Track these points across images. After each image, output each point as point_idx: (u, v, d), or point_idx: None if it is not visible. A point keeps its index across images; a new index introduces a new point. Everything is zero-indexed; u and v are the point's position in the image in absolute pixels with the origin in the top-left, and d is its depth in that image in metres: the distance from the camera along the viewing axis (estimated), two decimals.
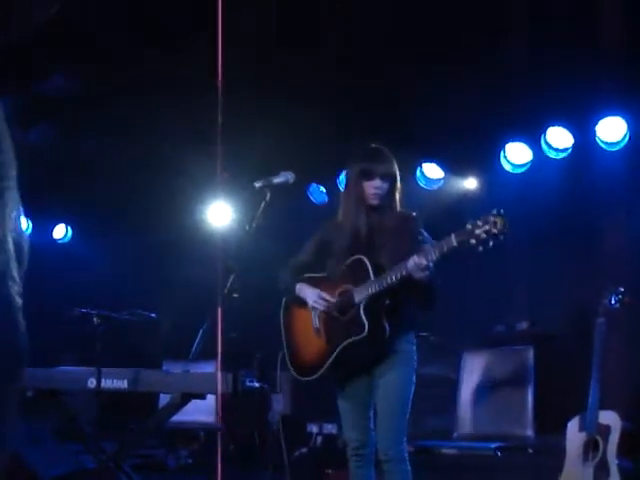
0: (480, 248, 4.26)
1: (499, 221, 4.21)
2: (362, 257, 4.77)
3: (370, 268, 4.71)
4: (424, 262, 4.45)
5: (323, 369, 4.84)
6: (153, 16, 8.23)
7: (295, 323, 5.08)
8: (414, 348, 4.88)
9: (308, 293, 4.95)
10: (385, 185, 4.85)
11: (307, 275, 5.02)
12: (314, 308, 4.93)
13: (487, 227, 4.21)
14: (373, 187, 4.83)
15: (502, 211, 4.29)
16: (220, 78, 5.07)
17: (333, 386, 4.97)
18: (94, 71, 8.82)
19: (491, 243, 4.22)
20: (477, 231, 4.23)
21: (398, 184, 4.94)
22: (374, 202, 4.86)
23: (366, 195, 4.87)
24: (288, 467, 7.01)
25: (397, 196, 4.95)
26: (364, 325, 4.66)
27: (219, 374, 5.34)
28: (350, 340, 4.72)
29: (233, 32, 5.42)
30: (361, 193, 4.88)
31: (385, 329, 4.68)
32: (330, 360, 4.80)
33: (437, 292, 4.75)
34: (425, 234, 4.80)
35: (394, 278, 4.58)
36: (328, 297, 4.89)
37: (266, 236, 5.16)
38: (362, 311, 4.69)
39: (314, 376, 4.91)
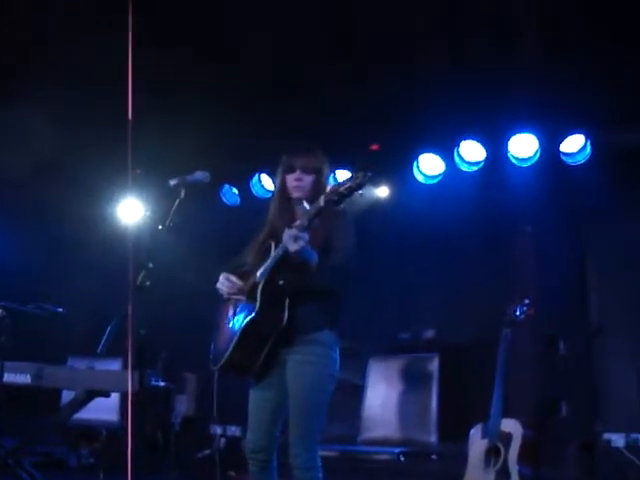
0: (341, 205, 4.28)
1: (360, 176, 4.18)
2: (271, 241, 4.69)
3: (273, 249, 4.63)
4: (294, 231, 4.38)
5: (226, 355, 4.67)
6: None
7: (220, 315, 5.00)
8: (329, 351, 4.67)
9: (220, 278, 4.91)
10: (307, 178, 4.76)
11: (240, 269, 4.96)
12: (220, 290, 4.89)
13: (348, 183, 4.19)
14: (294, 179, 4.77)
15: (366, 168, 4.25)
16: (131, 73, 5.04)
17: (249, 380, 4.81)
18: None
19: (352, 198, 4.22)
20: (340, 188, 4.21)
21: (324, 179, 4.83)
22: (296, 195, 4.78)
23: (289, 189, 4.82)
24: (191, 469, 6.99)
25: (326, 191, 4.69)
26: (255, 304, 4.56)
27: (130, 372, 5.28)
28: (246, 320, 4.59)
29: (148, 28, 5.40)
30: (284, 187, 4.84)
31: (283, 313, 4.55)
32: (232, 345, 4.64)
33: (324, 273, 4.56)
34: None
35: (280, 252, 4.52)
36: (234, 279, 4.84)
37: (176, 235, 5.11)
38: (259, 290, 4.58)
39: (221, 362, 4.71)
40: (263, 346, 4.66)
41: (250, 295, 4.70)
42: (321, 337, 4.68)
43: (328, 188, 4.44)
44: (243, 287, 4.80)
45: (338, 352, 4.73)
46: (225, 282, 4.86)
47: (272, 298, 4.59)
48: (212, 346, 4.95)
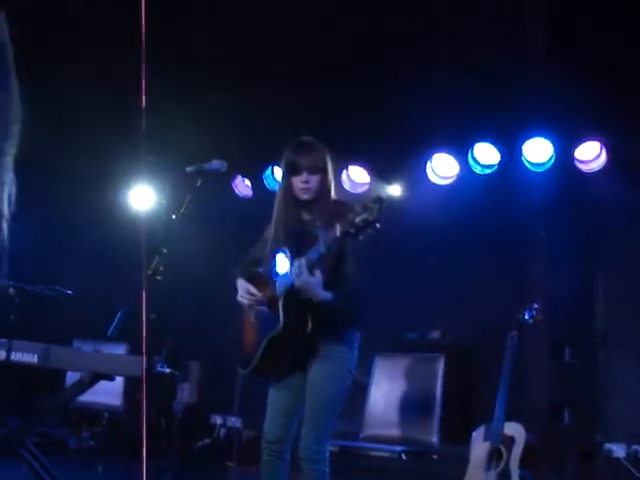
0: (360, 237, 4.19)
1: (375, 208, 4.12)
2: (285, 248, 4.69)
3: (288, 257, 4.63)
4: (297, 265, 4.45)
5: (254, 363, 4.75)
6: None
7: (244, 319, 5.04)
8: (349, 349, 4.72)
9: (239, 289, 4.94)
10: (314, 178, 4.71)
11: (254, 271, 4.98)
12: (242, 302, 4.92)
13: (365, 215, 4.13)
14: (301, 182, 4.71)
15: (381, 197, 4.20)
16: (144, 59, 5.02)
17: (270, 377, 4.87)
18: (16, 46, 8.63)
19: (369, 231, 4.16)
20: (356, 219, 4.14)
21: (330, 176, 4.80)
22: (304, 197, 4.75)
23: (296, 191, 4.78)
24: (190, 457, 7.00)
25: (331, 189, 4.81)
26: (279, 319, 4.60)
27: (144, 357, 5.27)
28: (270, 335, 4.65)
29: (162, 14, 5.39)
30: (290, 188, 4.79)
31: (307, 324, 4.58)
32: (258, 355, 4.72)
33: (340, 301, 4.58)
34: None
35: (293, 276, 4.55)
36: (255, 291, 4.85)
37: (189, 223, 5.12)
38: (281, 305, 4.61)
39: (248, 369, 4.81)
40: (288, 354, 4.73)
41: (272, 306, 4.74)
42: (342, 335, 4.71)
43: (348, 217, 4.30)
44: (263, 297, 4.83)
45: (357, 349, 4.77)
46: (246, 295, 4.88)
47: (295, 312, 4.62)
48: (242, 346, 4.99)
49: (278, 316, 4.64)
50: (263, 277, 4.90)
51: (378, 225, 4.17)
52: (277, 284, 4.71)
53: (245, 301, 4.90)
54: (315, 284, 4.49)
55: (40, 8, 7.97)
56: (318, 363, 4.68)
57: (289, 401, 4.80)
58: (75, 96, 8.56)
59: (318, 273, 4.49)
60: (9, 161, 1.75)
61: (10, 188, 1.79)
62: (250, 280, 4.94)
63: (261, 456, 4.84)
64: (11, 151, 1.76)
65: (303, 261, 4.48)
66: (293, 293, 4.60)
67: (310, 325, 4.60)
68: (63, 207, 9.56)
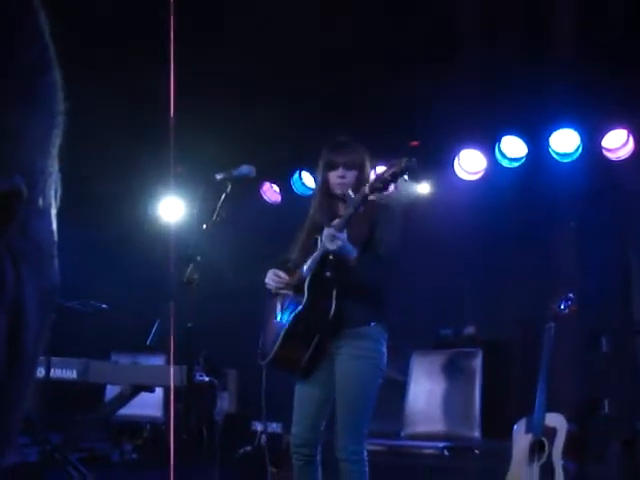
0: (385, 191, 4.29)
1: (403, 161, 4.20)
2: (317, 236, 4.71)
3: (319, 243, 4.65)
4: (331, 231, 4.43)
5: (274, 350, 4.72)
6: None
7: (268, 311, 5.03)
8: (377, 346, 4.70)
9: (267, 276, 4.94)
10: (350, 174, 4.75)
11: (285, 267, 4.99)
12: (269, 285, 4.92)
13: (393, 169, 4.20)
14: (337, 176, 4.77)
15: (410, 155, 4.31)
16: (173, 71, 5.06)
17: (296, 375, 4.84)
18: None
19: (397, 182, 4.23)
20: (384, 175, 4.22)
21: (367, 174, 4.82)
22: (339, 191, 4.79)
23: (332, 186, 4.83)
24: (232, 465, 7.00)
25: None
26: (303, 296, 4.60)
27: (172, 366, 5.31)
28: (293, 314, 4.63)
29: (190, 25, 5.42)
30: (327, 184, 4.85)
31: (330, 305, 4.57)
32: (280, 340, 4.68)
33: (366, 266, 4.61)
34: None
35: (322, 249, 4.57)
36: (282, 275, 4.87)
37: (219, 231, 5.13)
38: (306, 284, 4.62)
39: (270, 356, 4.77)
40: (311, 339, 4.69)
41: (297, 289, 4.74)
42: (369, 331, 4.71)
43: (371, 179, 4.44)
44: (290, 282, 4.83)
45: (386, 345, 4.76)
46: (273, 277, 4.89)
47: (319, 290, 4.62)
48: (260, 341, 4.98)
49: (301, 297, 4.64)
50: (294, 268, 4.92)
51: (406, 177, 4.24)
52: (304, 267, 4.73)
53: (272, 283, 4.90)
54: (344, 238, 4.45)
55: (68, 16, 8.01)
56: (345, 362, 4.67)
57: (316, 401, 4.79)
58: (103, 109, 8.59)
59: (345, 233, 4.47)
60: (55, 153, 1.74)
61: (57, 182, 1.76)
62: (283, 271, 4.96)
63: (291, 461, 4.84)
64: (57, 142, 1.75)
65: (332, 228, 4.48)
66: (319, 273, 4.62)
67: (334, 304, 4.59)
68: (93, 221, 9.59)
